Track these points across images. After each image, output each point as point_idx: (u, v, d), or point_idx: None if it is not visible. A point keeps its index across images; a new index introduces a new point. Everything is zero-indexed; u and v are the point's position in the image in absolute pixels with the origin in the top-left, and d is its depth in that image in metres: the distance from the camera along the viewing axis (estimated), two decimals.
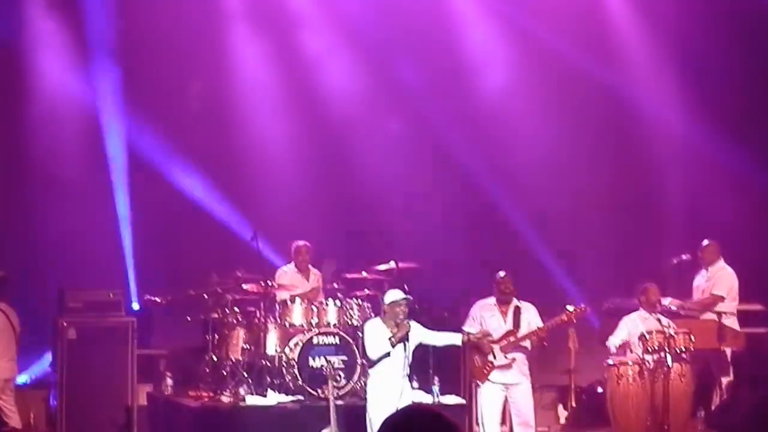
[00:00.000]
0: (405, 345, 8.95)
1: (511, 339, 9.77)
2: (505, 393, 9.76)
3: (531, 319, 9.87)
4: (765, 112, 12.09)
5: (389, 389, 8.90)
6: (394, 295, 9.12)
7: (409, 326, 8.90)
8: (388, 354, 8.92)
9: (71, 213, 11.82)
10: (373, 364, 9.08)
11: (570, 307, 9.88)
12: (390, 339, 8.88)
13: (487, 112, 12.73)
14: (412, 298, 9.04)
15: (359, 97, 12.60)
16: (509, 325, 9.84)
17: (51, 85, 11.94)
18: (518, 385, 9.73)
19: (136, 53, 12.04)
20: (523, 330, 9.82)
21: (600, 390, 10.66)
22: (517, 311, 9.86)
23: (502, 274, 9.97)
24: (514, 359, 9.75)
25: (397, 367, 8.92)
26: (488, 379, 9.73)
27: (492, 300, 9.95)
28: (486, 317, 9.90)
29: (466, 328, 9.97)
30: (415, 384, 9.94)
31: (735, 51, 12.10)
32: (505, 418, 9.94)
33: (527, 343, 9.83)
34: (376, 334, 9.00)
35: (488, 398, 9.73)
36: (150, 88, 12.03)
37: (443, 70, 12.73)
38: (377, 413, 8.90)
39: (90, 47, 12.03)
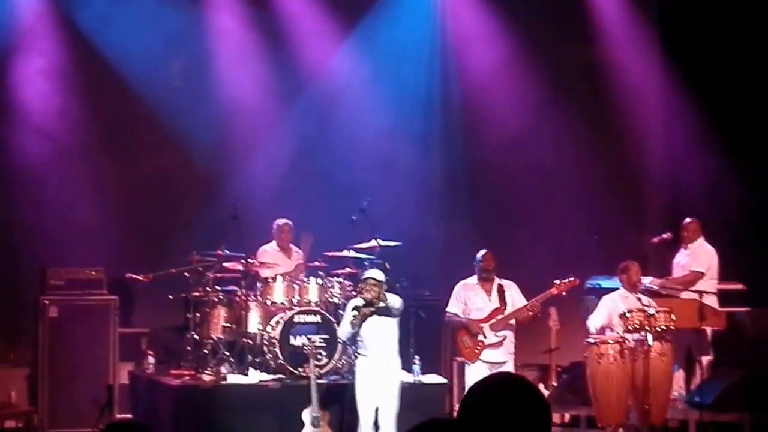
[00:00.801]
0: (383, 323, 8.93)
1: (500, 316, 9.79)
2: (491, 372, 9.79)
3: (514, 296, 9.90)
4: (749, 91, 12.06)
5: (372, 368, 8.92)
6: (365, 273, 9.12)
7: (371, 308, 8.83)
8: (353, 334, 8.89)
9: (52, 190, 11.75)
10: (350, 343, 9.09)
11: (558, 281, 9.92)
12: (351, 321, 8.87)
13: (467, 90, 12.69)
14: (378, 277, 8.97)
15: (341, 73, 12.54)
16: (495, 303, 9.86)
17: (24, 60, 11.82)
18: (505, 364, 9.76)
19: (112, 24, 11.94)
20: (509, 308, 9.84)
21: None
22: (501, 289, 9.88)
23: (483, 252, 9.99)
24: (505, 337, 9.78)
25: (378, 345, 8.92)
26: (479, 359, 9.75)
27: (474, 279, 9.96)
28: (470, 296, 9.92)
29: (449, 309, 9.98)
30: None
31: (717, 28, 12.05)
32: None
33: (513, 321, 9.86)
34: (347, 314, 9.01)
35: (476, 378, 9.72)
36: (129, 66, 11.94)
37: (423, 46, 12.67)
38: (362, 393, 8.93)
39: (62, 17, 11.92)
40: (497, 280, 9.93)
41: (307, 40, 12.51)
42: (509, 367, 9.79)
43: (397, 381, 9.05)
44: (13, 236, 11.69)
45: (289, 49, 12.47)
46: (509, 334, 9.85)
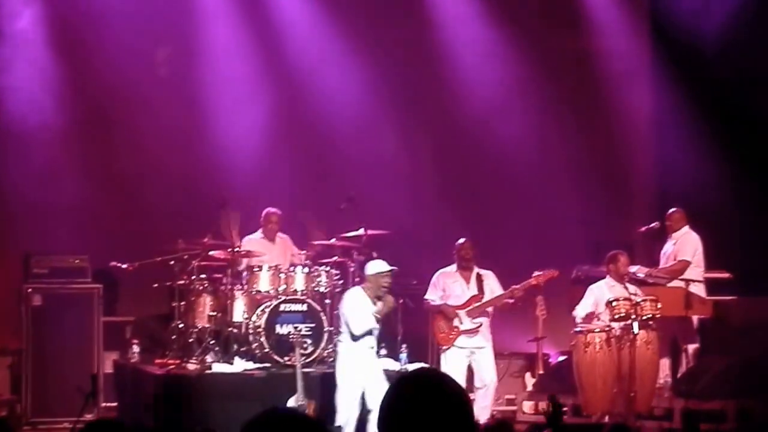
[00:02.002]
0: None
1: (476, 304, 9.85)
2: (469, 358, 9.83)
3: (492, 285, 9.96)
4: (737, 79, 12.02)
5: (361, 361, 8.92)
6: (379, 266, 9.11)
7: (393, 301, 8.93)
8: (371, 331, 8.94)
9: (35, 177, 11.63)
10: (356, 337, 9.04)
11: (538, 272, 9.93)
12: (375, 315, 8.87)
13: (458, 78, 12.62)
14: (397, 269, 9.06)
15: (330, 60, 12.46)
16: (473, 291, 9.91)
17: (8, 45, 11.72)
18: (482, 350, 9.86)
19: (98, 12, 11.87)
20: (487, 296, 9.90)
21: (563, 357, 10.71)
22: (480, 278, 9.95)
23: (462, 240, 10.09)
24: (481, 324, 9.83)
25: (373, 339, 8.96)
26: (453, 345, 9.79)
27: (453, 267, 10.04)
28: (449, 284, 10.03)
29: (428, 296, 10.03)
30: (383, 351, 9.98)
31: (706, 14, 12.01)
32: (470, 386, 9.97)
33: (490, 309, 9.92)
34: (360, 308, 8.99)
35: (453, 363, 9.81)
36: (113, 54, 11.85)
37: (413, 34, 12.59)
38: (347, 384, 8.91)
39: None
40: (476, 269, 9.99)
41: (292, 24, 12.42)
42: (488, 352, 9.90)
43: (381, 364, 9.13)
44: None
45: (272, 36, 12.38)
46: (485, 321, 9.89)
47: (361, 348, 8.96)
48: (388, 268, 9.05)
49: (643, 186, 12.91)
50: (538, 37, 12.55)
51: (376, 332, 9.04)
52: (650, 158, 12.93)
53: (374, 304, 9.03)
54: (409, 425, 2.88)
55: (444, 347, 9.91)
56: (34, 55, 11.67)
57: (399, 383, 2.98)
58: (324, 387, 9.48)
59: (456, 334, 9.82)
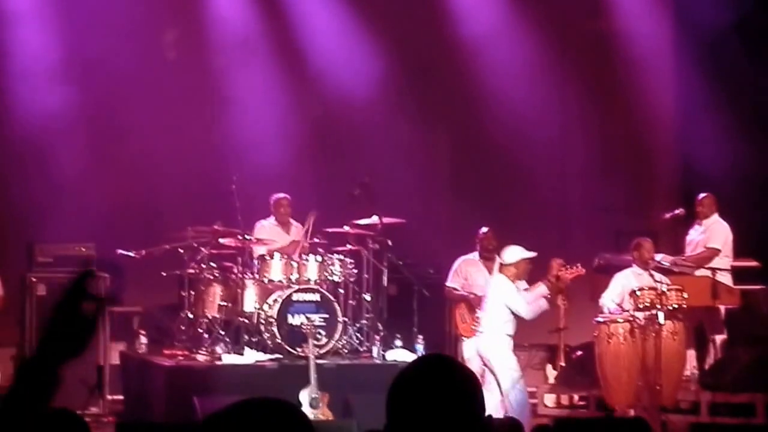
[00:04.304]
0: None
1: None
2: None
3: None
4: (765, 60, 11.73)
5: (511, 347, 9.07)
6: (522, 252, 9.08)
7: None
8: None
9: (40, 163, 11.44)
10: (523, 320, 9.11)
11: (564, 269, 9.67)
12: (547, 296, 9.06)
13: (472, 62, 12.35)
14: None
15: (340, 44, 12.22)
16: None
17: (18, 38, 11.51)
18: None
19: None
20: None
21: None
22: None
23: (485, 229, 9.99)
24: None
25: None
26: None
27: (475, 256, 9.88)
28: (471, 273, 9.93)
29: (449, 283, 9.86)
30: (399, 342, 9.81)
31: None
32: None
33: None
34: (520, 292, 8.99)
35: (471, 353, 9.58)
36: (120, 38, 11.61)
37: (432, 21, 12.32)
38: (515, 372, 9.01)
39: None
40: (498, 259, 9.76)
41: (304, 9, 12.18)
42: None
43: None
44: None
45: (285, 20, 12.18)
46: None
47: (508, 335, 8.95)
48: (531, 254, 9.02)
49: (667, 172, 12.66)
50: (559, 20, 12.29)
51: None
52: (674, 142, 12.67)
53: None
54: (417, 409, 2.84)
55: (465, 337, 9.69)
56: (36, 39, 11.44)
57: (410, 367, 2.95)
58: (338, 379, 9.23)
59: (479, 324, 9.60)
